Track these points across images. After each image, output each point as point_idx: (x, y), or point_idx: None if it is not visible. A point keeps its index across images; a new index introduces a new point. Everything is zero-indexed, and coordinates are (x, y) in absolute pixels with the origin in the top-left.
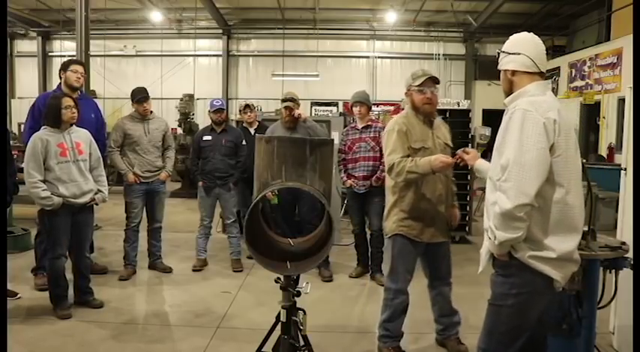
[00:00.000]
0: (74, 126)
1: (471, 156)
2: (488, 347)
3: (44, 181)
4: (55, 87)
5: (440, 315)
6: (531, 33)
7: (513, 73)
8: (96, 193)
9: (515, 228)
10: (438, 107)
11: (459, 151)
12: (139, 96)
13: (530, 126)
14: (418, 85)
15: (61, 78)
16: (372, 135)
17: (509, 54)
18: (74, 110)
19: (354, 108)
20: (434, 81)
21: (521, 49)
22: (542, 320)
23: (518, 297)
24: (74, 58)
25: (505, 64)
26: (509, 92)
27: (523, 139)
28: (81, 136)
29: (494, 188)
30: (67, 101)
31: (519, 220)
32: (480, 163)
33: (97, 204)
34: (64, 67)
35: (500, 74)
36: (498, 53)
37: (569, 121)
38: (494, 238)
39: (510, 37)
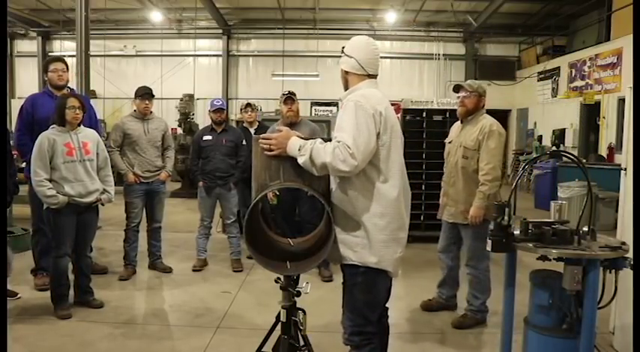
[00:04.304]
0: (82, 126)
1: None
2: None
3: (50, 180)
4: None
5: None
6: (369, 38)
7: (347, 72)
8: (102, 193)
9: (344, 164)
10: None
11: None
12: (143, 92)
13: (362, 114)
14: (456, 94)
15: (45, 80)
16: None
17: (346, 55)
18: (78, 111)
19: None
20: (459, 87)
21: (354, 53)
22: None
23: (365, 275)
24: (55, 55)
25: (342, 63)
26: (345, 86)
27: (357, 124)
28: (88, 136)
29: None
30: (72, 102)
31: (348, 166)
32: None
33: (102, 204)
34: (45, 69)
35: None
36: (343, 50)
37: (395, 120)
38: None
39: (352, 39)
